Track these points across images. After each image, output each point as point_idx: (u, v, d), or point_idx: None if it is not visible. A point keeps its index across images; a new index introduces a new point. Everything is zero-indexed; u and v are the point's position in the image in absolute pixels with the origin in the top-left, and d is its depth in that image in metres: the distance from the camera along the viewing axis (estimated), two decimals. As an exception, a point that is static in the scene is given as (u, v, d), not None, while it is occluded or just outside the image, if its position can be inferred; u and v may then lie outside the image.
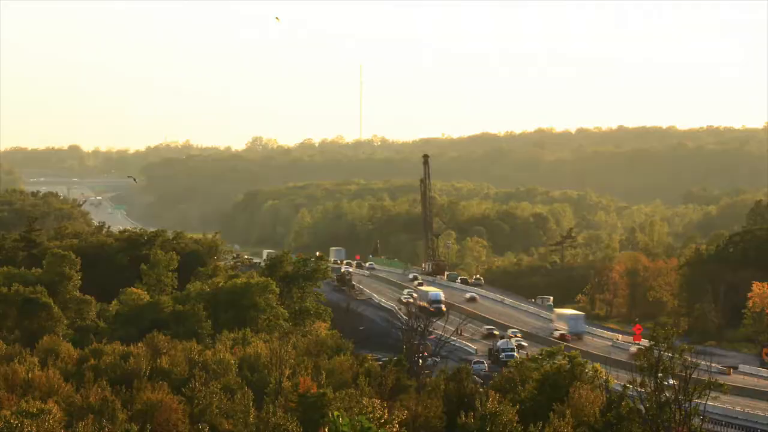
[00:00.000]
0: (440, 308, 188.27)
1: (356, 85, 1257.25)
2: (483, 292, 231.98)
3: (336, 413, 34.46)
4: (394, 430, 73.12)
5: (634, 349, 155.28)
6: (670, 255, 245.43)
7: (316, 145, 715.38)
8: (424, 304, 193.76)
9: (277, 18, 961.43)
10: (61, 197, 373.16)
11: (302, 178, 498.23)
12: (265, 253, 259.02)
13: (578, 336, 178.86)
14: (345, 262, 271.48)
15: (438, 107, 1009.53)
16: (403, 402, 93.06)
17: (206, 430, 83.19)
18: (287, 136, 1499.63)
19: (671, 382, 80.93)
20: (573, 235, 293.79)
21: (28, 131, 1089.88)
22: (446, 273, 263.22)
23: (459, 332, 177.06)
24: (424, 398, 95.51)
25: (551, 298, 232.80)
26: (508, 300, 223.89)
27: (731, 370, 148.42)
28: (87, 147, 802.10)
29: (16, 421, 72.13)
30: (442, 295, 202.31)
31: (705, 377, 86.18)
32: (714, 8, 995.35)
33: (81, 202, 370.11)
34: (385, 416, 74.03)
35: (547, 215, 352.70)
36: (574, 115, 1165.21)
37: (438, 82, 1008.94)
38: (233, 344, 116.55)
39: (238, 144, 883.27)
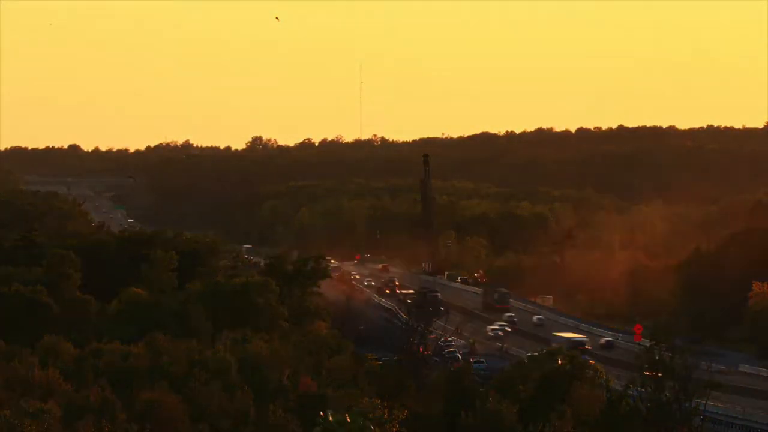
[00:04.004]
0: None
1: (356, 85, 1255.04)
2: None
3: (330, 412, 34.49)
4: (394, 430, 73.12)
5: None
6: (671, 255, 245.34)
7: (316, 145, 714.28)
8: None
9: (277, 18, 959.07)
10: (62, 196, 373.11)
11: (302, 178, 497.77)
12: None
13: None
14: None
15: (438, 107, 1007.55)
16: (403, 402, 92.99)
17: (206, 430, 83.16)
18: (287, 136, 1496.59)
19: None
20: (573, 235, 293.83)
21: (28, 131, 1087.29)
22: (446, 273, 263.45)
23: (459, 332, 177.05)
24: (424, 398, 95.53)
25: (551, 297, 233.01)
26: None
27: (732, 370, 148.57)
28: (87, 147, 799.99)
29: (16, 421, 72.17)
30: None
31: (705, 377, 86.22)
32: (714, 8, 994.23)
33: (81, 202, 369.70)
34: (385, 416, 74.00)
35: (547, 215, 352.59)
36: (574, 115, 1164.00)
37: (438, 82, 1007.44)
38: (233, 344, 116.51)
39: (238, 144, 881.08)
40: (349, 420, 33.80)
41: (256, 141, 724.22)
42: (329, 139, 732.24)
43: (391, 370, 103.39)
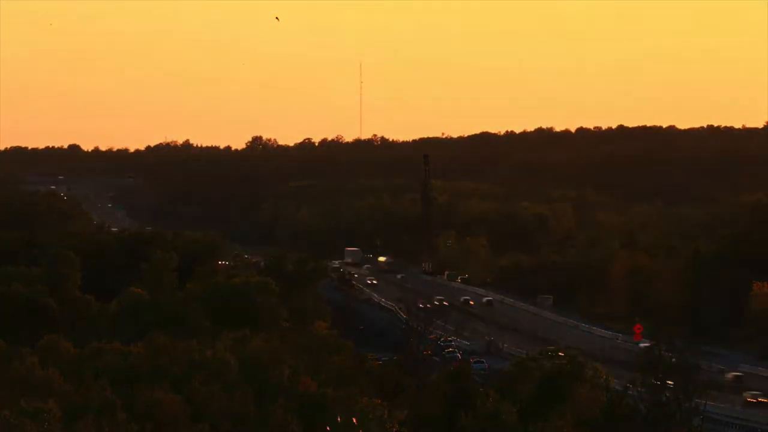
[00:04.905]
0: None
1: (356, 85, 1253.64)
2: None
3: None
4: (394, 430, 73.16)
5: None
6: (671, 255, 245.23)
7: (316, 145, 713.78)
8: None
9: (276, 18, 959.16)
10: (63, 196, 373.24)
11: (302, 178, 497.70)
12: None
13: None
14: None
15: (438, 107, 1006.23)
16: (403, 402, 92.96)
17: (206, 430, 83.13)
18: (287, 136, 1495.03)
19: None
20: (573, 234, 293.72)
21: (28, 131, 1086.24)
22: (446, 273, 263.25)
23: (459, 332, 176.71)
24: (424, 398, 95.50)
25: (551, 297, 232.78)
26: None
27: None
28: (87, 147, 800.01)
29: (16, 421, 72.17)
30: None
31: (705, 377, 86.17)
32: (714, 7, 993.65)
33: (81, 201, 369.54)
34: (385, 416, 74.02)
35: (547, 215, 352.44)
36: (574, 115, 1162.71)
37: (438, 82, 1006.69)
38: (233, 344, 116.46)
39: (238, 144, 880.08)
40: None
41: (256, 141, 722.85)
42: (329, 139, 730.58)
43: (391, 370, 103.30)
